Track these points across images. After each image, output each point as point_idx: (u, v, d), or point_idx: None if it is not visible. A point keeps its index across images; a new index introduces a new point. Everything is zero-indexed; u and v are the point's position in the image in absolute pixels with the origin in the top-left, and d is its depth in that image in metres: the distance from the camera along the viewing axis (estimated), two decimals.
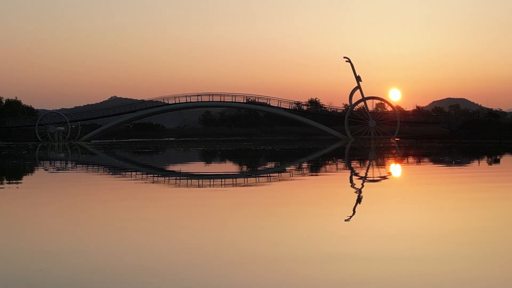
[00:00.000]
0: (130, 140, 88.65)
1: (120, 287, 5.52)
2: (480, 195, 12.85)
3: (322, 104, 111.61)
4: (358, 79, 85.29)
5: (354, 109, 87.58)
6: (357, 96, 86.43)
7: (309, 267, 6.12)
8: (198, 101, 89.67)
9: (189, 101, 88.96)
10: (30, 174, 22.06)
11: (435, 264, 6.19)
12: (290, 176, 19.17)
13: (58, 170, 23.69)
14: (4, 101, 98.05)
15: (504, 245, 7.19)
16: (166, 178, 19.05)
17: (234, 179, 18.08)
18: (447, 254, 6.64)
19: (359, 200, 12.18)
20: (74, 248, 7.19)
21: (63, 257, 6.71)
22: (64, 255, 6.84)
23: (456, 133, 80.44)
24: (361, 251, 6.87)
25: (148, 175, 20.42)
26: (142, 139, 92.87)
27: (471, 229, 8.40)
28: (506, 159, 28.32)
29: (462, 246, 7.12)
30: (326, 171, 21.70)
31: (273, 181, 17.29)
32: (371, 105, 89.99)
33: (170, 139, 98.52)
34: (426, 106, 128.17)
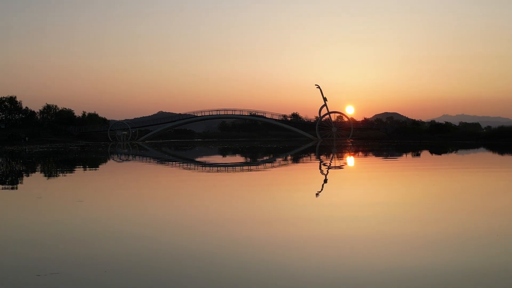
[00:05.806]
0: (172, 140, 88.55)
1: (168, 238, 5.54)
2: (409, 172, 12.92)
3: (301, 116, 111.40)
4: (325, 99, 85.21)
5: (322, 120, 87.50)
6: (324, 110, 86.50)
7: (285, 222, 6.18)
8: (217, 114, 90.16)
9: (211, 114, 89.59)
10: (104, 162, 22.09)
11: (378, 210, 6.25)
12: (288, 163, 19.22)
13: (123, 160, 23.73)
14: (86, 114, 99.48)
15: (440, 207, 7.28)
16: (208, 167, 18.99)
17: (253, 166, 18.06)
18: (396, 206, 6.70)
19: (326, 180, 12.23)
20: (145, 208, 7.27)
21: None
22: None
23: (390, 136, 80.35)
24: (329, 214, 6.94)
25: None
26: (179, 140, 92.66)
27: (411, 195, 8.48)
28: (424, 153, 28.42)
29: (405, 207, 7.19)
30: (304, 161, 21.75)
31: (282, 165, 17.30)
32: (334, 117, 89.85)
33: (198, 140, 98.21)
34: (370, 118, 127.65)
